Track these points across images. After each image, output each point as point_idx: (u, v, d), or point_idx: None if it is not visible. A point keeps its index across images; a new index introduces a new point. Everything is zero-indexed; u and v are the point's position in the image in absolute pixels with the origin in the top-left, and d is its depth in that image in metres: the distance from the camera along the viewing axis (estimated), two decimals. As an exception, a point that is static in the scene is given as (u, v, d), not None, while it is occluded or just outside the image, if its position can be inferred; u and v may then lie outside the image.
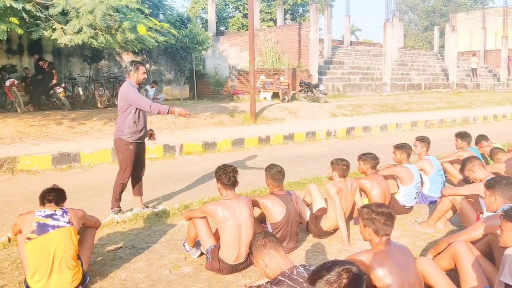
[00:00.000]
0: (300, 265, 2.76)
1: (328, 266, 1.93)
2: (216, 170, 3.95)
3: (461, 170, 5.08)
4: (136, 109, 5.23)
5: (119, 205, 5.44)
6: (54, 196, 3.58)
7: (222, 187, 3.89)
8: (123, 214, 5.36)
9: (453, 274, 3.43)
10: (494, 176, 4.19)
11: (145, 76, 5.38)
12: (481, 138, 7.08)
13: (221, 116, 13.52)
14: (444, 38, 29.78)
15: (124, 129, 5.23)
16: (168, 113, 5.25)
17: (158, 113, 5.29)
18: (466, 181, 5.13)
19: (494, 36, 37.36)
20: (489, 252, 3.44)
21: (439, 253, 3.54)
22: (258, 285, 2.67)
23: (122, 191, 5.44)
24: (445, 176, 6.23)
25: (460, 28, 37.66)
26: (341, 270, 1.89)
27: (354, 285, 1.85)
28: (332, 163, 4.78)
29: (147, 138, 5.66)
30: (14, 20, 8.72)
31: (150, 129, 5.75)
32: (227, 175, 3.85)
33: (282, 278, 2.64)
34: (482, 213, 4.24)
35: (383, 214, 2.97)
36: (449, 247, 3.37)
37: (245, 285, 2.97)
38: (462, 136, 6.77)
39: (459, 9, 45.23)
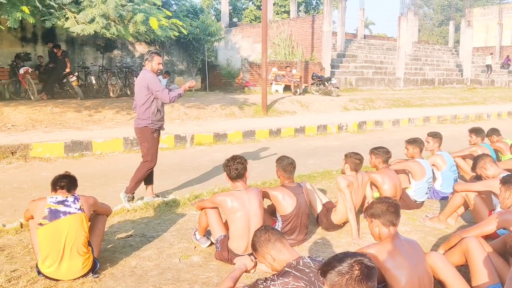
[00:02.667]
0: (307, 256, 2.76)
1: (340, 258, 1.92)
2: (224, 163, 3.93)
3: (473, 169, 5.03)
4: None
5: (133, 193, 5.48)
6: (66, 182, 3.60)
7: (228, 179, 3.90)
8: (133, 202, 5.40)
9: (464, 270, 3.41)
10: (510, 172, 4.13)
11: (160, 66, 5.37)
12: (493, 132, 6.98)
13: (232, 108, 13.50)
14: (459, 33, 29.37)
15: (149, 117, 5.29)
16: (183, 93, 5.43)
17: (179, 96, 5.37)
18: (478, 178, 5.07)
19: (510, 31, 36.82)
20: (504, 251, 3.39)
21: (451, 247, 3.51)
22: (265, 278, 2.67)
23: (143, 180, 5.49)
24: (458, 172, 6.17)
25: (476, 23, 37.15)
26: (353, 262, 1.87)
27: (365, 277, 1.83)
28: (346, 155, 4.75)
29: None
30: (25, 9, 8.75)
31: None
32: (228, 168, 3.85)
33: (288, 269, 2.63)
34: (494, 210, 4.20)
35: (385, 202, 2.97)
36: (460, 243, 3.33)
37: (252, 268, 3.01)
38: (476, 131, 6.69)
39: (475, 4, 44.63)
